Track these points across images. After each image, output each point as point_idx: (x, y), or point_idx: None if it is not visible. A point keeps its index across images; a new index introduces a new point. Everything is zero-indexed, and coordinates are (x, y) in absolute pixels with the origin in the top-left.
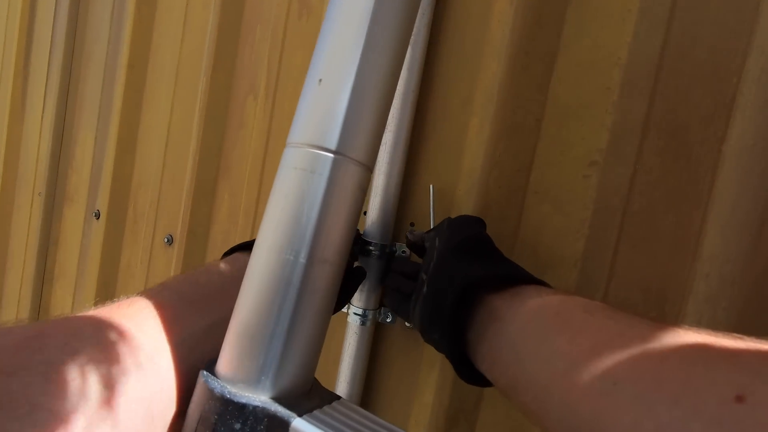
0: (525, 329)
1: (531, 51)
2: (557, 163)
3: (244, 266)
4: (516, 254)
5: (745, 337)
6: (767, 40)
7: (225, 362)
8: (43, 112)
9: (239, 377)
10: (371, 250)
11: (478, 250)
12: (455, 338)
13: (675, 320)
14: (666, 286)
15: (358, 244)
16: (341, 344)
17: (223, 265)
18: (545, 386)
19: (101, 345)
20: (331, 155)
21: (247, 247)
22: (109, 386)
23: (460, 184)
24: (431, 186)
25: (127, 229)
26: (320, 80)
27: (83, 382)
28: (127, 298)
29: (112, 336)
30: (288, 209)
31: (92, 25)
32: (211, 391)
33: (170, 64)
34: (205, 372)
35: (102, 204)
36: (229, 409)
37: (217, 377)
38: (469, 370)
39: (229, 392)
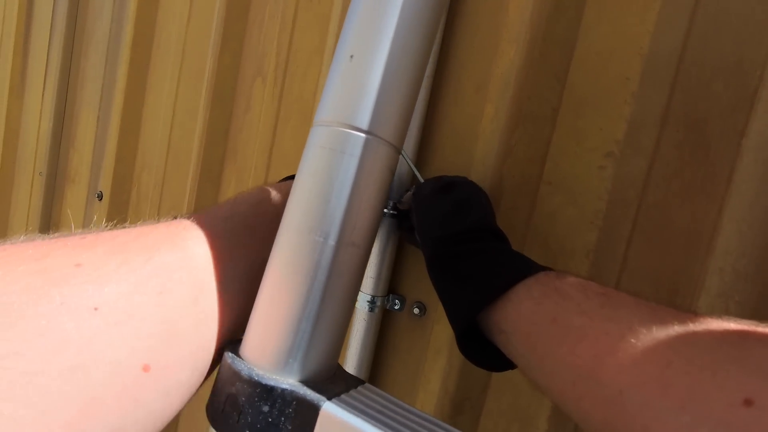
0: (527, 341)
1: (549, 37)
2: (572, 153)
3: None
4: (527, 245)
5: (754, 325)
6: None
7: (251, 343)
8: (43, 90)
9: (266, 359)
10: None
11: (456, 258)
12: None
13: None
14: (678, 280)
15: None
16: (349, 330)
17: (277, 197)
18: (558, 398)
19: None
20: (363, 135)
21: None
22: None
23: (472, 173)
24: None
25: (130, 212)
26: (351, 56)
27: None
28: (174, 219)
29: (163, 265)
30: (317, 190)
31: (95, 0)
32: (237, 373)
33: (176, 44)
34: (230, 353)
35: (104, 185)
36: (257, 391)
37: (242, 358)
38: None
39: (257, 374)
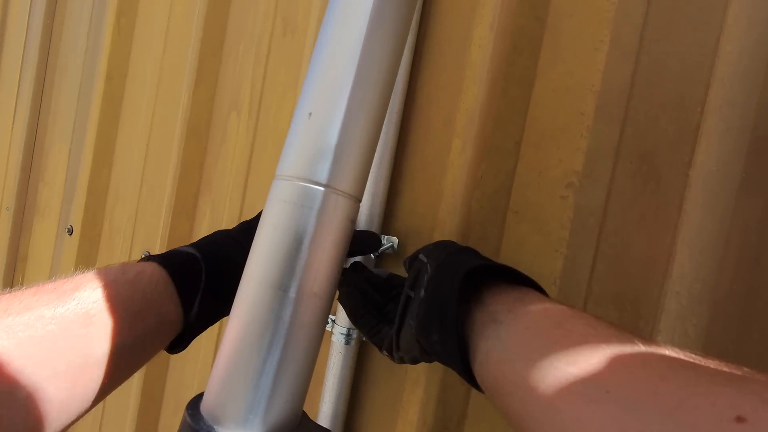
0: (521, 333)
1: (510, 76)
2: (536, 184)
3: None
4: None
5: (753, 372)
6: (727, 73)
7: (211, 399)
8: (13, 122)
9: (227, 415)
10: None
11: (476, 254)
12: (457, 331)
13: (648, 337)
14: (640, 304)
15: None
16: (325, 364)
17: (144, 282)
18: (532, 388)
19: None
20: (322, 188)
21: (157, 257)
22: None
23: (443, 204)
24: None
25: (102, 245)
26: (310, 114)
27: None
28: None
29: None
30: (277, 243)
31: (68, 34)
32: (196, 431)
33: (151, 77)
34: (190, 411)
35: (75, 219)
36: None
37: (202, 414)
38: (468, 368)
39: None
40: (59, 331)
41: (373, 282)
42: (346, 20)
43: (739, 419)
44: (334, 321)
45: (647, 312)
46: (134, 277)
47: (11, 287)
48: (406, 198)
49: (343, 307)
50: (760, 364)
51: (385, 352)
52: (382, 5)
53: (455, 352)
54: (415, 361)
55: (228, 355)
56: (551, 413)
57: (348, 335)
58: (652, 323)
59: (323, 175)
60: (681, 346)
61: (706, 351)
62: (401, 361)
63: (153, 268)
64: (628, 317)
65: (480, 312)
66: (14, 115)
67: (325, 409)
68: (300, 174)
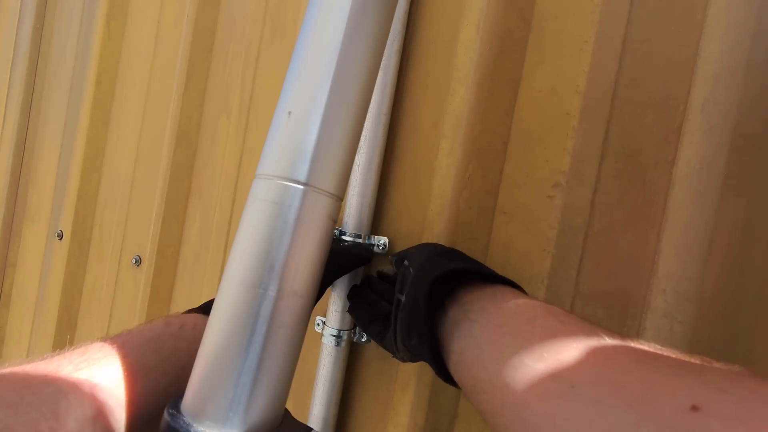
0: (495, 332)
1: (496, 77)
2: (523, 184)
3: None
4: None
5: (712, 361)
6: (708, 73)
7: (191, 398)
8: (3, 126)
9: (206, 414)
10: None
11: (457, 255)
12: (430, 332)
13: (635, 335)
14: (627, 302)
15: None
16: (315, 365)
17: (187, 332)
18: (504, 385)
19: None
20: (301, 187)
21: (199, 309)
22: None
23: (432, 205)
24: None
25: (92, 250)
26: (290, 112)
27: None
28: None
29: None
30: (257, 242)
31: (58, 39)
32: (176, 431)
33: (140, 81)
34: (170, 410)
35: (65, 223)
36: None
37: (182, 414)
38: (446, 371)
39: (196, 431)
40: (110, 389)
41: (381, 287)
42: (326, 18)
43: (694, 408)
44: (324, 322)
45: (634, 310)
46: (178, 330)
47: (0, 293)
48: (394, 199)
49: (353, 318)
50: (747, 361)
51: (391, 354)
52: (361, 3)
53: (430, 352)
54: (414, 360)
55: (208, 354)
56: (521, 410)
57: (338, 336)
58: (639, 321)
59: (303, 174)
60: (668, 343)
61: (692, 348)
62: (404, 360)
63: (195, 318)
64: (615, 315)
65: (455, 311)
66: (4, 120)
67: (316, 411)
68: (279, 173)
